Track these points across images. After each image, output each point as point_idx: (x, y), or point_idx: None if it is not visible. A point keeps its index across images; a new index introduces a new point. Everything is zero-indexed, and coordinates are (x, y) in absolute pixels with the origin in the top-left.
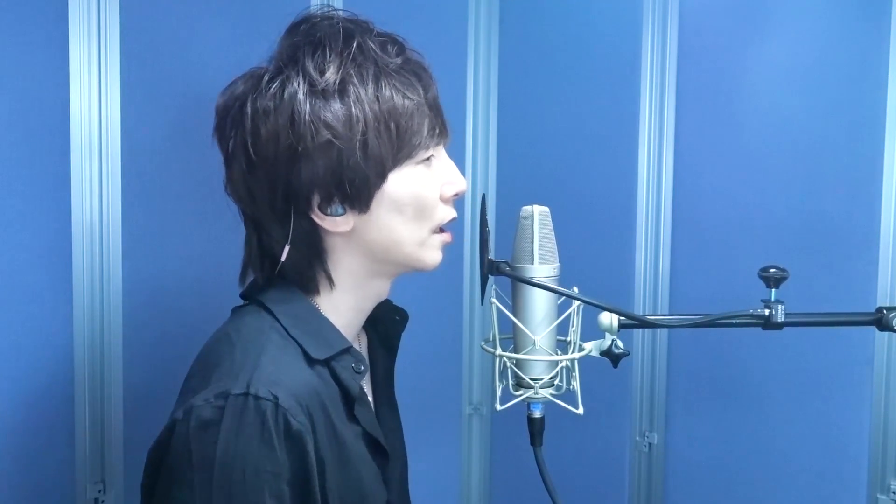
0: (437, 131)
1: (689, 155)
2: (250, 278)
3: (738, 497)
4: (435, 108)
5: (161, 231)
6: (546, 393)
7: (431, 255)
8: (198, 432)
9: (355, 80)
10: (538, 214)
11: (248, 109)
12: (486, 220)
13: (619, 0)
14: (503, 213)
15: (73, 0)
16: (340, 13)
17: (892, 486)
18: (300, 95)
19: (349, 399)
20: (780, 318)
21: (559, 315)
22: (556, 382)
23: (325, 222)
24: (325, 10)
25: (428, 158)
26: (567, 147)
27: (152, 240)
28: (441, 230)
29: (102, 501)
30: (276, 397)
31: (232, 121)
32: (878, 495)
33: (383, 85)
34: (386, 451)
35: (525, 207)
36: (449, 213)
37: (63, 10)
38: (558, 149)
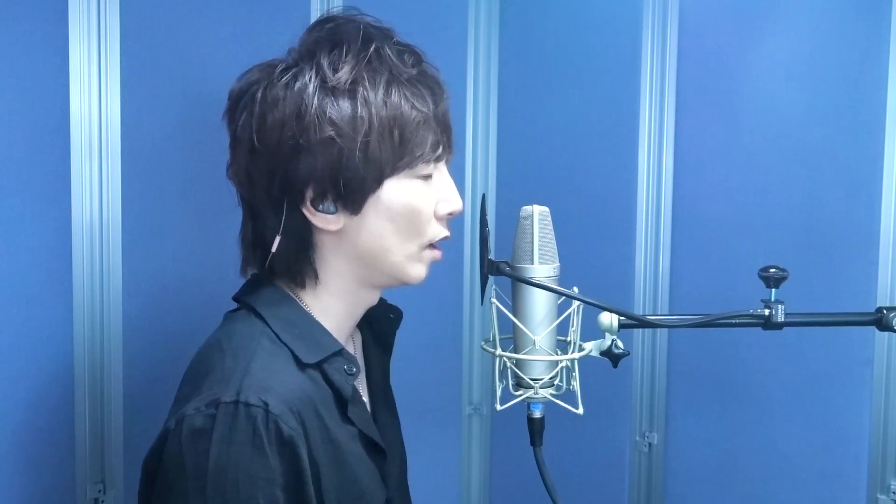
0: (441, 147)
1: (689, 155)
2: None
3: (738, 497)
4: (443, 124)
5: (161, 231)
6: (546, 393)
7: (417, 269)
8: (190, 441)
9: (367, 83)
10: (538, 214)
11: (258, 96)
12: (486, 220)
13: (619, 0)
14: (503, 213)
15: (73, 0)
16: (366, 17)
17: (892, 486)
18: (310, 89)
19: (342, 400)
20: (780, 318)
21: (559, 315)
22: (556, 382)
23: (316, 218)
24: (351, 12)
25: (428, 175)
26: (567, 147)
27: (152, 240)
28: (433, 247)
29: (102, 501)
30: (266, 404)
31: (241, 106)
32: (878, 495)
33: (393, 92)
34: (383, 449)
35: (525, 207)
36: (441, 232)
37: (63, 10)
38: (558, 149)
